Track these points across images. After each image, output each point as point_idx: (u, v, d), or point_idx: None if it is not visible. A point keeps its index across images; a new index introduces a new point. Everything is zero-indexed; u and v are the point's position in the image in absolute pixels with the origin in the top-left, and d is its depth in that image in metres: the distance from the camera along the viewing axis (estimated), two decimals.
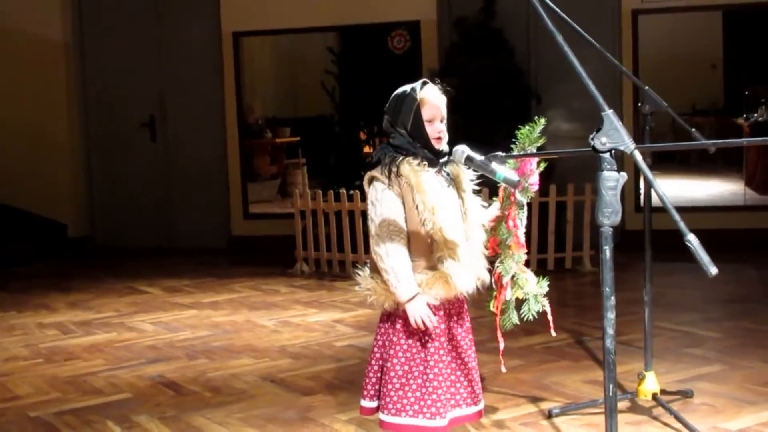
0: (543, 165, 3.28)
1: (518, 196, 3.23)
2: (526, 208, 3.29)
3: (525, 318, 3.30)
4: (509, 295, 3.29)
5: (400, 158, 3.03)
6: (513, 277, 3.28)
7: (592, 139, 2.01)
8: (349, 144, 10.34)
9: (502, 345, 3.31)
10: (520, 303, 3.32)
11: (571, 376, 4.78)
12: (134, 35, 9.96)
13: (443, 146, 3.10)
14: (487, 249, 3.23)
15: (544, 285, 3.33)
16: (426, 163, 3.04)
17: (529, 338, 5.45)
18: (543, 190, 7.65)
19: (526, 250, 3.31)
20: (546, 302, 3.31)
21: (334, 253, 8.03)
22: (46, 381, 5.13)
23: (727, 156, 10.30)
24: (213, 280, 8.05)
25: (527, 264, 3.35)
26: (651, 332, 4.23)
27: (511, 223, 3.24)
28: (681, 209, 8.42)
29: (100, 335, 6.21)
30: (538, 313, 3.30)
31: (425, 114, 3.08)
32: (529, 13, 8.30)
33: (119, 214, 10.07)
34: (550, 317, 3.30)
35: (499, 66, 8.29)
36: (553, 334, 3.44)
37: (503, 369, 3.43)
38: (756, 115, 9.86)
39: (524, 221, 3.28)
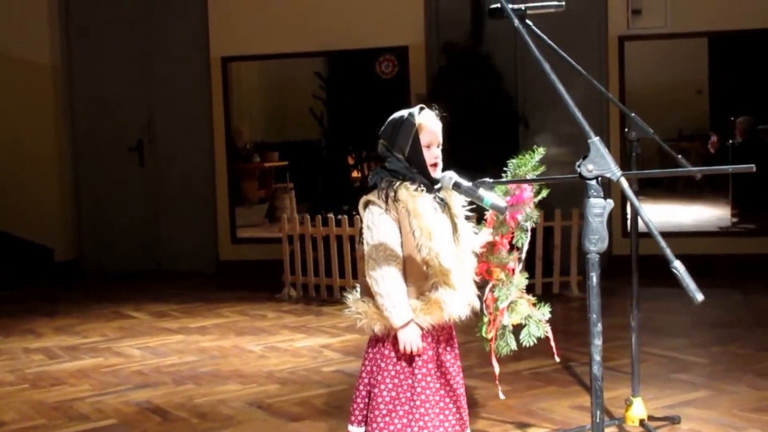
0: (545, 192, 3.28)
1: (521, 221, 3.23)
2: (529, 232, 3.29)
3: (524, 343, 3.28)
4: (507, 320, 3.27)
5: (398, 183, 3.04)
6: (511, 303, 3.27)
7: (579, 166, 2.02)
8: (338, 169, 10.34)
9: (497, 370, 3.30)
10: (517, 328, 3.31)
11: (559, 402, 4.77)
12: (122, 59, 9.97)
13: (438, 172, 3.12)
14: (476, 275, 3.23)
15: (545, 310, 3.31)
16: (423, 188, 3.05)
17: (517, 364, 5.44)
18: None
19: (527, 275, 3.31)
20: (548, 328, 3.29)
21: (322, 277, 8.02)
22: (32, 407, 5.10)
23: (714, 181, 10.34)
24: (200, 305, 8.03)
25: (528, 290, 3.35)
26: (638, 358, 4.23)
27: (506, 243, 3.23)
28: (668, 234, 8.43)
29: (86, 360, 6.18)
30: (538, 338, 3.28)
31: (423, 139, 3.09)
32: (517, 39, 8.35)
33: (107, 239, 10.05)
34: (553, 343, 3.28)
35: (486, 91, 8.33)
36: (557, 359, 3.42)
37: (501, 395, 3.42)
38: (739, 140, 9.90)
39: (526, 246, 3.28)
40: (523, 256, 3.27)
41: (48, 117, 9.97)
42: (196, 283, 9.14)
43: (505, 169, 3.22)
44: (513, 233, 3.26)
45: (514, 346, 3.29)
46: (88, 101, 10.06)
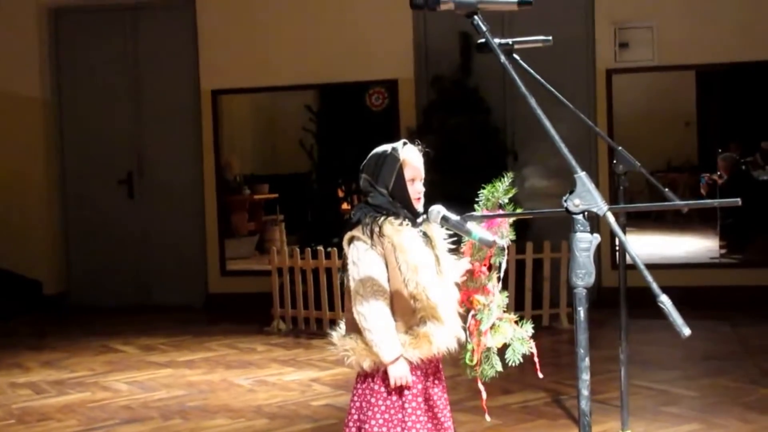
0: (512, 191, 3.25)
1: (497, 240, 3.22)
2: (506, 251, 3.27)
3: (510, 362, 3.25)
4: (491, 342, 3.25)
5: (382, 218, 3.04)
6: (494, 324, 3.24)
7: (566, 200, 2.02)
8: (327, 201, 10.36)
9: (484, 394, 3.27)
10: (502, 351, 3.28)
11: None
12: (113, 92, 9.98)
13: (421, 207, 3.12)
14: (458, 305, 3.21)
15: (528, 328, 3.29)
16: (408, 222, 3.05)
17: (507, 397, 5.43)
18: (519, 248, 7.69)
19: (507, 294, 3.29)
20: (533, 344, 3.27)
21: (312, 310, 8.00)
22: None
23: (703, 213, 10.38)
24: (189, 339, 7.99)
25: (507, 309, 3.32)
26: (627, 391, 4.23)
27: (484, 268, 3.22)
28: (657, 266, 8.47)
29: (74, 395, 6.14)
30: (524, 356, 3.25)
31: (407, 174, 3.10)
32: (505, 72, 8.39)
33: (95, 272, 10.00)
34: (536, 359, 3.25)
35: (475, 123, 8.36)
36: (540, 375, 3.37)
37: (487, 418, 3.39)
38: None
39: (504, 265, 3.26)
40: (501, 274, 3.25)
41: (38, 150, 9.97)
42: (184, 316, 9.11)
43: (477, 199, 3.21)
44: (491, 256, 3.25)
45: (499, 367, 3.25)
46: (78, 134, 10.05)
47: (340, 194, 10.41)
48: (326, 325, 7.64)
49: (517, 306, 7.68)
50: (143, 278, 9.94)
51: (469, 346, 3.27)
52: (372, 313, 3.00)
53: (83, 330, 8.60)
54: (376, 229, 3.01)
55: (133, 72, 9.97)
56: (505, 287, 3.28)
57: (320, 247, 7.88)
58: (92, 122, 10.01)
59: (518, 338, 3.25)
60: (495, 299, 3.23)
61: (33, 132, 9.96)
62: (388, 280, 3.02)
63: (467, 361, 3.28)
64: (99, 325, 8.80)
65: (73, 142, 10.08)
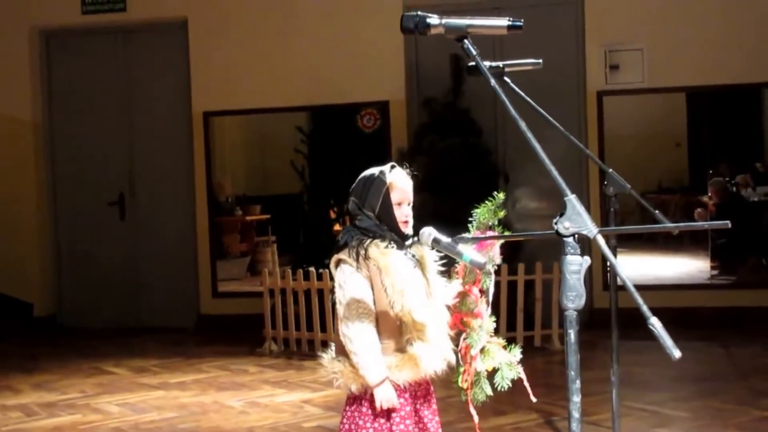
0: (501, 229, 3.26)
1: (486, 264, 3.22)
2: (493, 275, 3.28)
3: (499, 387, 3.25)
4: (480, 366, 3.25)
5: (368, 241, 3.04)
6: (483, 348, 3.25)
7: (556, 223, 2.03)
8: (319, 222, 10.35)
9: (476, 418, 3.27)
10: (492, 374, 3.28)
11: None
12: (104, 114, 9.99)
13: (409, 230, 3.13)
14: (450, 328, 3.22)
15: (516, 352, 3.29)
16: (394, 245, 3.05)
17: (499, 418, 5.42)
18: (511, 269, 7.69)
19: (495, 318, 3.29)
20: (520, 369, 3.27)
21: (303, 332, 7.99)
22: None
23: (694, 234, 10.41)
24: (180, 360, 7.97)
25: (496, 332, 3.32)
26: (619, 412, 4.23)
27: (476, 291, 3.22)
28: (648, 287, 8.47)
29: (64, 417, 6.11)
30: (512, 381, 3.25)
31: (394, 197, 3.11)
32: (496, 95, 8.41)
33: (86, 293, 9.98)
34: (526, 383, 3.25)
35: (467, 145, 8.38)
36: (534, 399, 3.37)
37: None
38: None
39: (492, 289, 3.27)
40: (490, 299, 3.26)
41: (28, 172, 9.96)
42: (176, 338, 9.08)
43: (471, 219, 3.22)
44: (479, 279, 3.25)
45: (489, 392, 3.25)
46: (70, 156, 10.05)
47: (332, 215, 10.41)
48: (318, 346, 7.63)
49: (509, 327, 7.68)
50: (134, 300, 9.92)
51: (461, 369, 3.27)
52: (357, 336, 3.00)
53: (74, 352, 8.57)
54: (362, 252, 3.02)
55: (124, 94, 9.98)
56: (496, 309, 3.29)
57: (312, 268, 7.88)
58: (83, 144, 10.01)
59: (506, 363, 3.25)
60: (484, 323, 3.24)
61: (24, 154, 9.96)
62: (374, 303, 3.02)
63: (459, 384, 3.28)
64: (90, 347, 8.77)
65: (64, 163, 10.07)
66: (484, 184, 8.11)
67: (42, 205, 10.02)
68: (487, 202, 3.22)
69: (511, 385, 3.22)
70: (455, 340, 3.20)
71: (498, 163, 8.85)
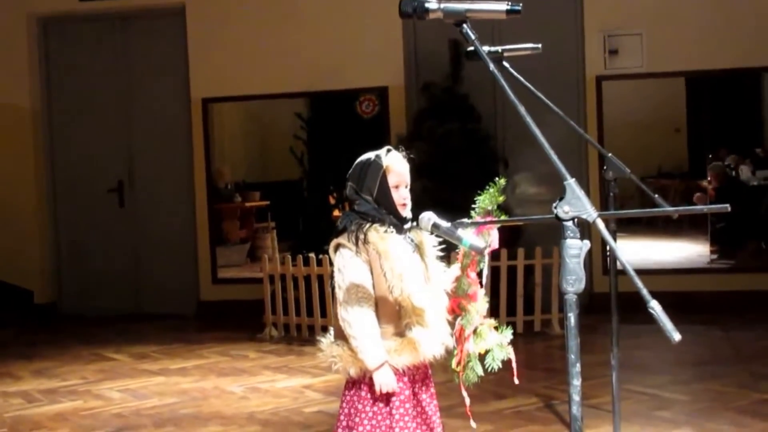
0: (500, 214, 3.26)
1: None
2: (487, 257, 3.28)
3: (490, 368, 3.26)
4: (472, 347, 3.26)
5: (367, 225, 3.05)
6: (475, 329, 3.25)
7: (555, 207, 2.04)
8: (319, 208, 10.35)
9: (468, 400, 3.28)
10: (483, 356, 3.28)
11: None
12: (102, 101, 9.98)
13: (407, 213, 3.14)
14: (448, 312, 3.22)
15: (507, 333, 3.29)
16: (393, 229, 3.06)
17: (499, 402, 5.44)
18: (511, 254, 7.70)
19: (487, 299, 3.29)
20: (511, 350, 3.27)
21: (304, 317, 8.00)
22: None
23: (693, 218, 10.42)
24: (181, 346, 7.98)
25: (496, 318, 3.32)
26: (619, 395, 4.24)
27: (473, 274, 3.23)
28: (648, 272, 8.48)
29: (65, 403, 6.13)
30: (503, 361, 3.25)
31: (391, 181, 3.11)
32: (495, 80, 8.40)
33: (86, 280, 9.99)
34: (514, 364, 3.25)
35: (466, 130, 8.37)
36: (516, 381, 3.36)
37: (473, 424, 3.40)
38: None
39: (486, 271, 3.27)
40: (485, 281, 3.26)
41: (28, 159, 9.96)
42: (176, 324, 9.09)
43: (473, 206, 3.22)
44: (475, 262, 3.25)
45: (480, 372, 3.25)
46: (68, 143, 10.05)
47: (332, 201, 10.41)
48: (318, 331, 7.64)
49: (509, 312, 7.69)
50: (134, 286, 9.93)
51: (455, 352, 3.28)
52: (356, 320, 3.01)
53: (75, 338, 8.58)
54: (361, 237, 3.03)
55: (123, 80, 9.96)
56: (496, 294, 3.29)
57: (312, 254, 7.89)
58: (82, 131, 10.01)
59: (497, 344, 3.26)
60: (478, 305, 3.24)
61: (23, 141, 9.96)
62: (374, 287, 3.03)
63: (453, 367, 3.29)
64: (90, 334, 8.79)
65: (63, 150, 10.07)
66: (484, 170, 8.11)
67: (41, 193, 10.02)
68: (488, 188, 3.22)
69: (501, 366, 3.21)
70: (452, 324, 3.21)
71: (497, 149, 8.84)
